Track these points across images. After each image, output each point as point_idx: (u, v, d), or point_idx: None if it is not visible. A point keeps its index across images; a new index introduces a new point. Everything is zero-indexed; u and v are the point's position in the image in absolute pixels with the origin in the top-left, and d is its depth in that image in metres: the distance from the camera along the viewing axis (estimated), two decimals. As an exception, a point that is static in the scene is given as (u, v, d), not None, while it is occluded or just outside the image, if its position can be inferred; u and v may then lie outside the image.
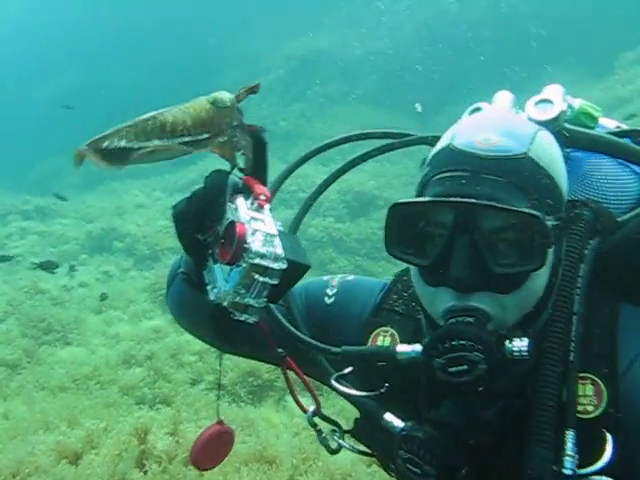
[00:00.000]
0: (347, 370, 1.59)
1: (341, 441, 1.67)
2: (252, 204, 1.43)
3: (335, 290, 1.85)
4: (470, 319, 1.28)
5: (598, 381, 1.31)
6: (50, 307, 8.60)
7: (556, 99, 1.60)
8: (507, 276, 1.29)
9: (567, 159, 1.58)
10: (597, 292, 1.41)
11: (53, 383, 5.94)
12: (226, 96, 1.55)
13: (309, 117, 19.76)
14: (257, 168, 1.54)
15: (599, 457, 1.27)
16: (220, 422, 1.63)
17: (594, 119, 1.67)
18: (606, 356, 1.34)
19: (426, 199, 1.36)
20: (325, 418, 1.71)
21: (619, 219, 1.51)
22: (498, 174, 1.30)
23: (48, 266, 8.20)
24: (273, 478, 2.90)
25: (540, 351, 1.33)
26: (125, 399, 5.59)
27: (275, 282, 1.37)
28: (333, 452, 1.75)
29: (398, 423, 1.45)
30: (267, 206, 1.44)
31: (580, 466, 1.28)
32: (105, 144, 1.31)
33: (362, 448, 1.69)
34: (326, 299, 1.83)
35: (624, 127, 1.76)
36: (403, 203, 1.38)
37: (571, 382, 1.31)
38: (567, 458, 1.27)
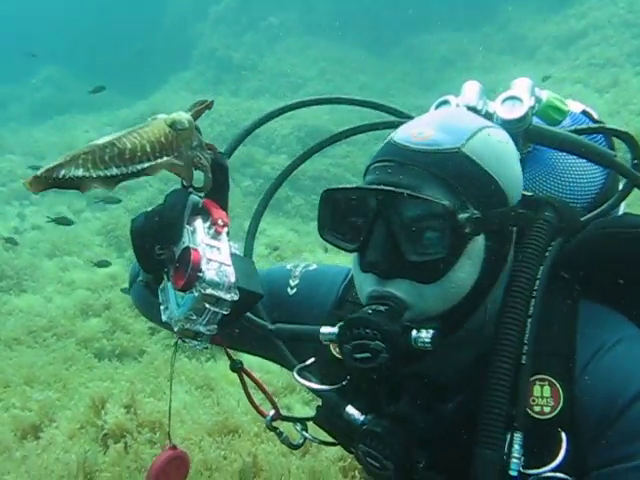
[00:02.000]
0: (309, 361, 1.66)
1: (305, 434, 1.75)
2: (210, 229, 1.44)
3: (297, 281, 1.88)
4: (382, 307, 1.33)
5: (555, 383, 1.36)
6: (2, 252, 8.45)
7: (524, 96, 1.60)
8: (425, 265, 1.33)
9: (532, 152, 1.64)
10: (557, 293, 1.46)
11: (9, 335, 5.91)
12: (184, 117, 1.53)
13: (262, 49, 19.26)
14: (217, 191, 1.53)
15: (555, 456, 1.33)
16: (173, 447, 1.64)
17: (562, 112, 1.68)
18: (563, 357, 1.39)
19: (349, 186, 1.43)
20: (286, 418, 1.79)
21: (583, 218, 1.54)
22: (423, 166, 1.35)
23: (63, 222, 7.89)
24: (237, 448, 3.00)
25: (492, 351, 1.37)
26: (83, 352, 5.62)
27: (226, 312, 1.40)
28: (296, 447, 1.84)
29: (359, 416, 1.51)
30: (224, 231, 1.45)
31: (536, 466, 1.34)
32: (61, 173, 1.27)
33: (325, 438, 1.78)
34: (288, 290, 1.87)
35: (590, 111, 1.78)
36: (332, 189, 1.45)
37: (522, 385, 1.35)
38: (513, 460, 1.32)
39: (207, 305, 1.37)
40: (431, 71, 18.32)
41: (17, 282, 7.69)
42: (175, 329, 1.42)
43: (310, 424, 1.73)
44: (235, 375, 1.66)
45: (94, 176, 1.31)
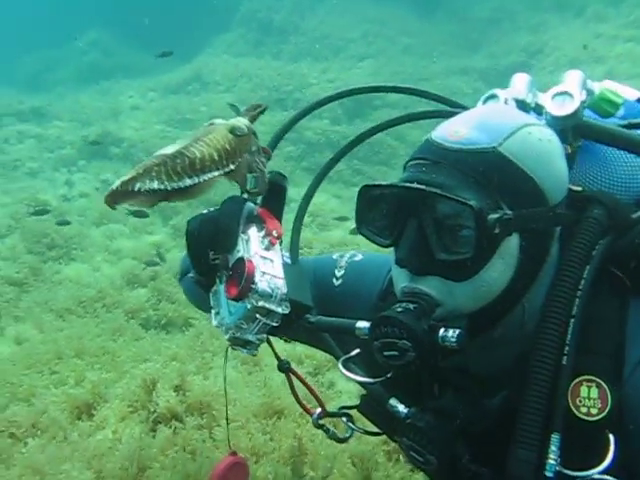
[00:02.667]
0: (354, 352, 1.69)
1: (351, 425, 1.80)
2: (264, 239, 1.48)
3: (343, 272, 1.91)
4: (412, 305, 1.35)
5: (603, 384, 1.35)
6: (52, 220, 8.64)
7: (575, 91, 1.57)
8: (455, 263, 1.35)
9: (584, 145, 1.60)
10: (606, 292, 1.45)
11: (60, 305, 6.11)
12: (242, 123, 1.57)
13: (303, 11, 18.98)
14: (273, 201, 1.57)
15: (603, 459, 1.33)
16: (234, 453, 1.72)
17: (615, 105, 1.64)
18: (611, 357, 1.38)
19: (384, 183, 1.46)
20: (333, 414, 1.84)
21: (634, 215, 1.51)
22: (456, 165, 1.37)
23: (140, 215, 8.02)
24: (282, 430, 3.07)
25: (532, 351, 1.38)
26: (131, 323, 5.79)
27: (276, 324, 1.45)
28: (343, 441, 1.89)
29: (402, 409, 1.54)
30: (278, 243, 1.49)
31: (581, 468, 1.35)
32: (137, 186, 1.30)
33: (370, 428, 1.82)
34: (334, 280, 1.90)
35: None
36: (369, 186, 1.48)
37: (561, 386, 1.36)
38: (550, 461, 1.33)
39: (258, 316, 1.41)
40: (476, 32, 17.85)
41: (66, 251, 7.87)
42: (226, 337, 1.46)
43: (355, 412, 1.78)
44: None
45: (169, 188, 1.34)
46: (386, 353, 1.36)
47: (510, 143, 1.38)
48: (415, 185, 1.37)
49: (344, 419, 1.80)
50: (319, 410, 1.79)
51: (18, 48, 21.24)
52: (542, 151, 1.41)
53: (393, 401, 1.56)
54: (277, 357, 1.71)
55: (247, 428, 3.06)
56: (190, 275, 1.73)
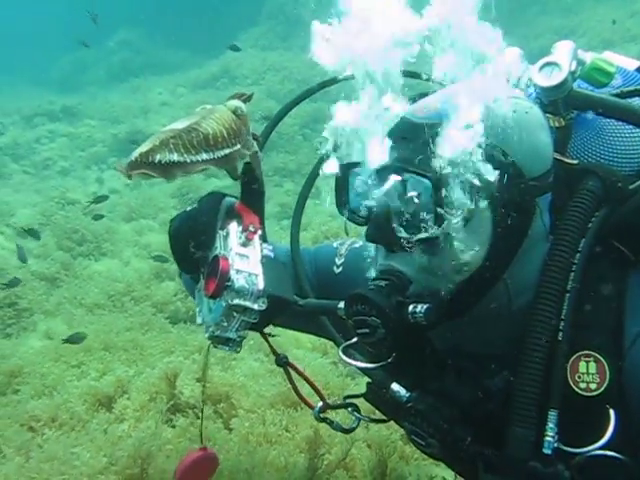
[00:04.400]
0: (355, 339, 1.66)
1: (358, 415, 1.76)
2: (241, 234, 1.45)
3: (343, 259, 1.91)
4: (384, 282, 1.35)
5: (601, 359, 1.33)
6: (82, 217, 8.71)
7: (563, 61, 1.52)
8: (421, 238, 1.33)
9: (579, 117, 1.57)
10: (602, 266, 1.41)
11: (89, 300, 6.14)
12: (240, 104, 1.54)
13: (331, 2, 18.88)
14: (251, 196, 1.57)
15: (603, 434, 1.31)
16: (204, 448, 1.71)
17: (608, 74, 1.59)
18: (610, 331, 1.36)
19: (354, 161, 1.46)
20: (335, 407, 1.79)
21: (632, 186, 1.47)
22: (418, 138, 1.35)
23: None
24: (298, 421, 3.02)
25: (527, 328, 1.36)
26: (159, 316, 5.78)
27: (254, 320, 1.43)
28: (349, 431, 1.84)
29: (405, 393, 1.52)
30: (256, 237, 1.46)
31: (582, 444, 1.32)
32: (157, 157, 1.29)
33: (377, 416, 1.77)
34: (335, 268, 1.91)
35: None
36: (343, 165, 1.49)
37: (557, 363, 1.34)
38: (547, 438, 1.32)
39: (235, 314, 1.39)
40: (504, 15, 17.47)
41: (97, 246, 7.93)
42: (206, 335, 1.43)
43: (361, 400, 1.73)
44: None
45: (188, 161, 1.33)
46: (359, 331, 1.36)
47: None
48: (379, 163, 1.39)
49: (349, 409, 1.75)
50: (320, 404, 1.75)
51: (49, 50, 21.58)
52: (516, 123, 1.37)
53: (395, 386, 1.54)
54: (274, 352, 1.68)
55: (264, 418, 3.00)
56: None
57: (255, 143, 1.51)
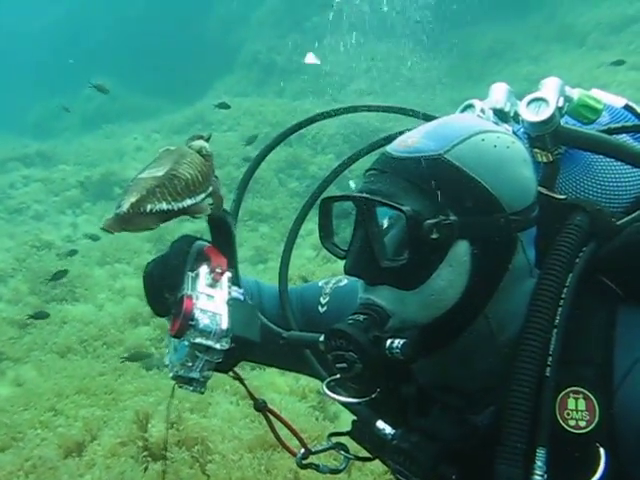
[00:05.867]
0: (339, 375, 1.62)
1: (346, 454, 1.71)
2: (208, 276, 1.44)
3: (328, 298, 1.88)
4: (362, 317, 1.32)
5: (590, 395, 1.30)
6: (56, 261, 8.63)
7: (550, 97, 1.52)
8: (401, 271, 1.31)
9: (568, 153, 1.56)
10: (591, 300, 1.39)
11: (61, 345, 6.03)
12: (204, 144, 1.55)
13: (305, 50, 19.26)
14: (221, 239, 1.55)
15: (593, 474, 1.26)
16: None
17: (595, 111, 1.58)
18: (599, 367, 1.33)
19: (337, 194, 1.44)
20: (317, 452, 1.75)
21: (618, 222, 1.45)
22: (399, 173, 1.34)
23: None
24: (277, 464, 2.96)
25: (513, 365, 1.33)
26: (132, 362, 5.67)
27: (218, 360, 1.40)
28: (338, 472, 1.79)
29: (389, 430, 1.47)
30: (224, 278, 1.46)
31: None
32: (149, 207, 1.27)
33: (364, 454, 1.73)
34: (319, 308, 1.87)
35: (633, 105, 1.68)
36: (325, 199, 1.46)
37: (545, 399, 1.30)
38: (535, 477, 1.27)
39: (198, 354, 1.37)
40: (478, 64, 17.99)
41: (70, 290, 7.83)
42: (170, 375, 1.42)
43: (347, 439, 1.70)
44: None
45: (175, 209, 1.32)
46: (337, 365, 1.33)
47: (459, 150, 1.34)
48: (357, 194, 1.36)
49: (337, 449, 1.71)
50: (302, 451, 1.71)
51: (25, 97, 21.63)
52: (497, 158, 1.37)
53: (380, 423, 1.50)
54: (252, 396, 1.65)
55: (241, 463, 2.93)
56: None
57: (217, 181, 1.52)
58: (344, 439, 1.72)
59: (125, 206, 1.26)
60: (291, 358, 1.81)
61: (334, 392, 1.60)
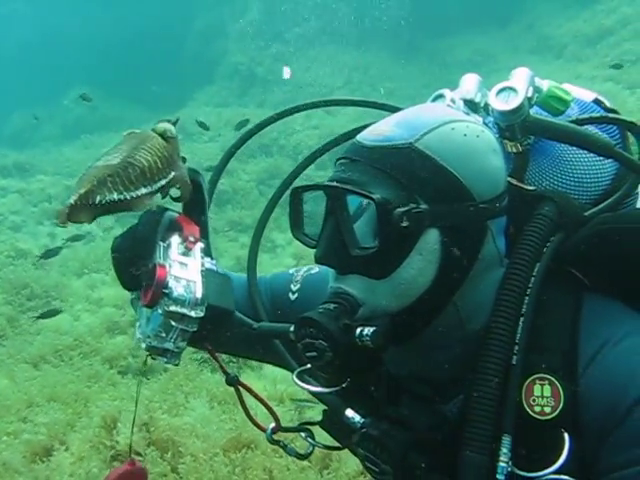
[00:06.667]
0: (309, 365, 1.61)
1: (312, 441, 1.70)
2: (180, 245, 1.42)
3: (298, 286, 1.88)
4: (333, 305, 1.33)
5: (555, 382, 1.31)
6: (32, 271, 8.53)
7: (520, 86, 1.52)
8: (371, 260, 1.32)
9: (538, 144, 1.56)
10: (558, 290, 1.41)
11: (35, 354, 5.94)
12: (169, 126, 1.51)
13: (286, 61, 19.33)
14: (193, 207, 1.53)
15: (557, 459, 1.28)
16: (132, 462, 1.59)
17: (564, 102, 1.59)
18: (564, 354, 1.34)
19: (307, 184, 1.44)
20: (287, 429, 1.73)
21: (587, 213, 1.48)
22: (369, 161, 1.35)
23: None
24: (251, 464, 2.92)
25: (480, 353, 1.34)
26: (108, 370, 5.59)
27: (193, 329, 1.37)
28: (303, 457, 1.77)
29: (359, 419, 1.48)
30: (197, 247, 1.44)
31: (536, 468, 1.29)
32: (97, 199, 1.24)
33: (332, 443, 1.71)
34: (290, 295, 1.87)
35: (602, 99, 1.70)
36: (296, 189, 1.46)
37: (511, 386, 1.31)
38: (501, 463, 1.28)
39: (172, 322, 1.34)
40: (457, 74, 17.97)
41: (46, 301, 7.74)
42: (143, 346, 1.39)
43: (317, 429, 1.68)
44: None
45: (128, 198, 1.29)
46: (308, 354, 1.34)
47: (429, 138, 1.35)
48: (327, 183, 1.36)
49: (303, 434, 1.70)
50: (272, 425, 1.69)
51: (4, 108, 21.48)
52: (466, 146, 1.37)
53: (349, 412, 1.50)
54: (223, 370, 1.64)
55: (213, 463, 2.88)
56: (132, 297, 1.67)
57: (183, 164, 1.49)
58: (314, 429, 1.71)
59: (73, 198, 1.23)
60: (262, 349, 1.80)
61: (304, 382, 1.60)
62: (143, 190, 1.31)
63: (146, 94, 19.85)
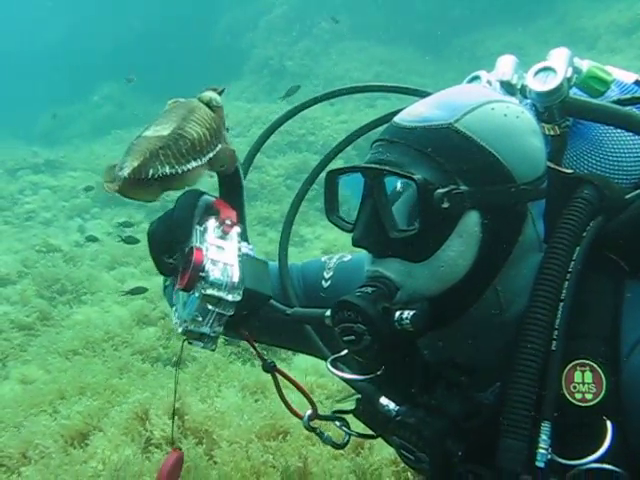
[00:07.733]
0: (344, 352, 1.59)
1: (347, 430, 1.68)
2: (217, 229, 1.39)
3: (331, 273, 1.88)
4: (370, 289, 1.31)
5: (597, 368, 1.28)
6: (63, 265, 8.63)
7: (559, 66, 1.48)
8: (411, 242, 1.29)
9: (576, 127, 1.54)
10: (599, 274, 1.38)
11: (67, 347, 5.99)
12: (214, 95, 1.49)
13: (315, 55, 19.31)
14: (230, 192, 1.52)
15: (599, 446, 1.25)
16: (176, 449, 1.61)
17: (604, 83, 1.56)
18: (605, 340, 1.31)
19: (344, 166, 1.42)
20: (324, 417, 1.71)
21: (628, 196, 1.43)
22: (408, 142, 1.32)
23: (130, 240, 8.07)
24: (285, 451, 2.90)
25: (519, 339, 1.31)
26: (139, 361, 5.63)
27: (229, 313, 1.35)
28: (340, 447, 1.75)
29: (393, 407, 1.46)
30: (234, 231, 1.41)
31: (577, 456, 1.26)
32: (150, 172, 1.21)
33: (366, 431, 1.69)
34: (323, 282, 1.87)
35: None
36: (332, 171, 1.44)
37: (551, 372, 1.29)
38: (540, 450, 1.26)
39: (209, 306, 1.32)
40: (488, 68, 17.90)
41: (76, 296, 7.81)
42: (179, 330, 1.37)
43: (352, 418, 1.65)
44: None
45: (179, 172, 1.26)
46: (345, 338, 1.32)
47: (469, 119, 1.33)
48: (366, 165, 1.35)
49: (337, 423, 1.68)
50: (310, 412, 1.66)
51: (35, 106, 21.79)
52: (506, 127, 1.35)
53: (384, 400, 1.49)
54: (260, 357, 1.64)
55: (248, 449, 2.87)
56: (166, 284, 1.73)
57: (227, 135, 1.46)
58: (348, 418, 1.68)
59: (126, 170, 1.20)
60: (293, 336, 1.80)
61: (338, 370, 1.58)
62: (193, 163, 1.29)
63: (175, 89, 19.96)
